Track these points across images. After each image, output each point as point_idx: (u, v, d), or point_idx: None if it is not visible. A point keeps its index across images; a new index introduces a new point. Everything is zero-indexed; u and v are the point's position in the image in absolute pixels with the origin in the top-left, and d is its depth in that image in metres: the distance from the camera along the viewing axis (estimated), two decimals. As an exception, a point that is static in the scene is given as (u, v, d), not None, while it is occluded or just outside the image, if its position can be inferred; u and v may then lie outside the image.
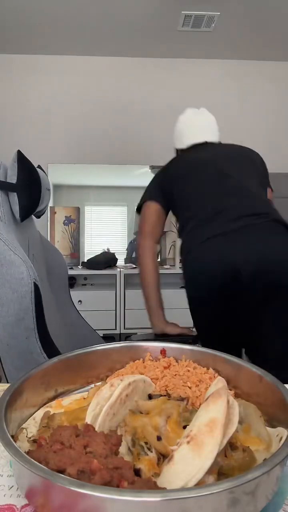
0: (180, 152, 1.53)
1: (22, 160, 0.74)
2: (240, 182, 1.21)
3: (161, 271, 3.09)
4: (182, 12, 2.74)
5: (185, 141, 1.48)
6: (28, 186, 0.75)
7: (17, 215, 0.74)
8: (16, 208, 0.74)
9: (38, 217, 0.96)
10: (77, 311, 1.08)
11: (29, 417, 0.47)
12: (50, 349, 0.66)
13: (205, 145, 1.43)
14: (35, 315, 0.63)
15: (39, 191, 0.80)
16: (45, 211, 0.95)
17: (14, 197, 0.73)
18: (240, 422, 0.40)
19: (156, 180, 1.45)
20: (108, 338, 2.41)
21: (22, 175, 0.74)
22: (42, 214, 0.96)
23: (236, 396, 0.51)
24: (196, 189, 1.25)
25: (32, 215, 0.92)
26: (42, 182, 0.84)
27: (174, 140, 1.60)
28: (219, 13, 2.75)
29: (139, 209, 1.43)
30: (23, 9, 2.68)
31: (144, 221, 1.36)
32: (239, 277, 1.01)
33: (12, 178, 0.73)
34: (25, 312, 0.62)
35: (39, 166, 0.96)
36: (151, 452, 0.37)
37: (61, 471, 0.31)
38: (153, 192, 1.40)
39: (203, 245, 1.11)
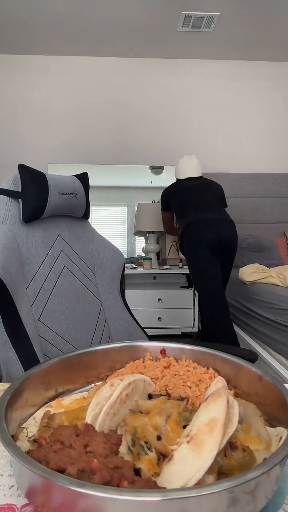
0: (178, 180, 2.66)
1: (22, 172, 0.90)
2: (210, 199, 2.46)
3: (161, 271, 3.12)
4: (182, 12, 2.74)
5: (183, 175, 2.60)
6: (29, 194, 0.89)
7: (21, 217, 0.89)
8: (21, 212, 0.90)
9: (86, 217, 1.12)
10: (125, 306, 1.15)
11: (30, 417, 0.47)
12: (17, 333, 0.77)
13: (193, 178, 2.59)
14: None
15: (42, 197, 0.91)
16: (82, 211, 1.08)
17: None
18: (240, 422, 0.40)
19: (164, 196, 2.68)
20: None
21: (25, 185, 0.89)
22: (84, 215, 1.10)
23: (236, 395, 0.51)
24: (190, 198, 2.46)
25: (74, 215, 1.08)
26: (54, 188, 0.94)
27: (175, 174, 2.69)
28: (219, 14, 2.75)
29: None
30: (23, 10, 2.68)
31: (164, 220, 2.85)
32: (221, 241, 2.27)
33: (20, 187, 0.90)
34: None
35: (84, 173, 1.09)
36: (151, 451, 0.37)
37: (61, 471, 0.31)
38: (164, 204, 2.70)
39: (201, 222, 2.31)
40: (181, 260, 3.22)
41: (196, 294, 2.89)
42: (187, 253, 2.37)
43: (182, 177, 2.59)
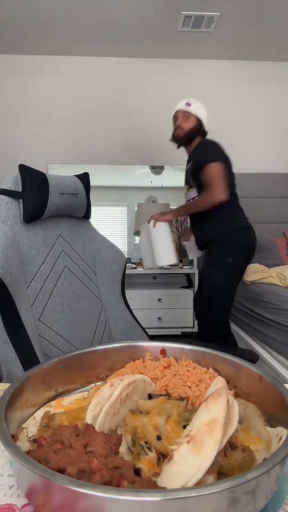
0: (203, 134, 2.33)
1: (23, 172, 0.90)
2: None
3: (161, 271, 3.12)
4: (182, 12, 2.74)
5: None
6: (30, 194, 0.89)
7: (22, 217, 0.90)
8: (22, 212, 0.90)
9: (87, 217, 1.12)
10: (126, 306, 1.15)
11: (30, 417, 0.47)
12: (17, 332, 0.77)
13: None
14: None
15: (42, 197, 0.91)
16: (82, 211, 1.08)
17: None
18: (240, 422, 0.40)
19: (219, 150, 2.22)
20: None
21: (26, 185, 0.89)
22: (85, 215, 1.10)
23: (236, 395, 0.51)
24: (234, 188, 2.18)
25: (75, 215, 1.08)
26: (54, 188, 0.94)
27: (204, 119, 2.32)
28: (219, 14, 2.74)
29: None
30: (23, 10, 2.68)
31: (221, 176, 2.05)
32: (253, 254, 2.07)
33: (20, 187, 0.90)
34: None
35: (85, 173, 1.09)
36: (151, 451, 0.37)
37: (61, 471, 0.31)
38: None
39: (251, 231, 2.13)
40: (181, 260, 3.22)
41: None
42: (227, 257, 2.01)
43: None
